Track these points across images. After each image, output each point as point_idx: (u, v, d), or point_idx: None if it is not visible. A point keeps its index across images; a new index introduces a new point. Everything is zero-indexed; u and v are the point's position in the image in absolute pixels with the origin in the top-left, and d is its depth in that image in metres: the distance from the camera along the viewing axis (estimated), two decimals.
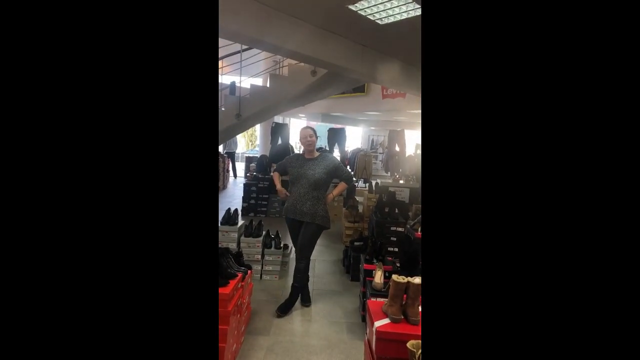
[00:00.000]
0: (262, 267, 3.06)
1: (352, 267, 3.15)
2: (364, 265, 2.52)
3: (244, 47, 3.93)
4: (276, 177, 2.66)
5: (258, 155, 7.40)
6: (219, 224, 3.11)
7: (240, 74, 4.29)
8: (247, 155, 10.29)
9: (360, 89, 6.85)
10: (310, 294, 2.70)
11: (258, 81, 6.64)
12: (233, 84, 4.76)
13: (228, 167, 8.39)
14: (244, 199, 5.45)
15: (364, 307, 2.31)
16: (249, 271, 2.22)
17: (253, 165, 7.26)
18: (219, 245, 2.61)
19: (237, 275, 1.93)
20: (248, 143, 14.95)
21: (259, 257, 3.05)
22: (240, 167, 9.95)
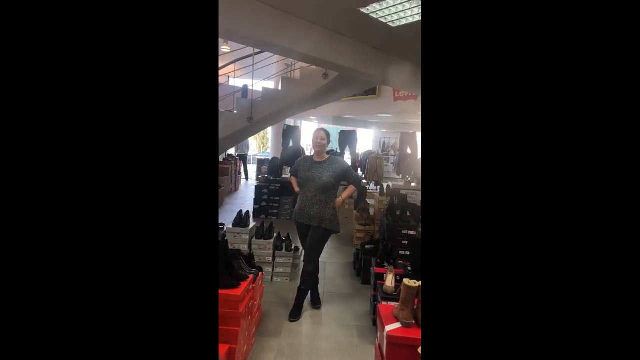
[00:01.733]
0: (273, 269, 3.08)
1: (362, 270, 3.13)
2: (375, 268, 2.50)
3: (256, 50, 3.97)
4: (294, 181, 2.64)
5: (270, 158, 7.45)
6: (231, 226, 3.14)
7: (252, 77, 4.34)
8: (258, 157, 10.37)
9: (371, 92, 6.82)
10: (321, 297, 2.69)
11: (270, 84, 6.69)
12: (245, 87, 4.81)
13: (240, 169, 8.46)
14: (256, 201, 5.49)
15: (374, 310, 2.29)
16: (260, 273, 2.23)
17: (264, 167, 7.31)
18: (230, 247, 2.63)
19: (248, 277, 1.94)
20: (260, 145, 15.07)
21: (270, 259, 3.06)
22: (252, 169, 10.03)
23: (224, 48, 6.50)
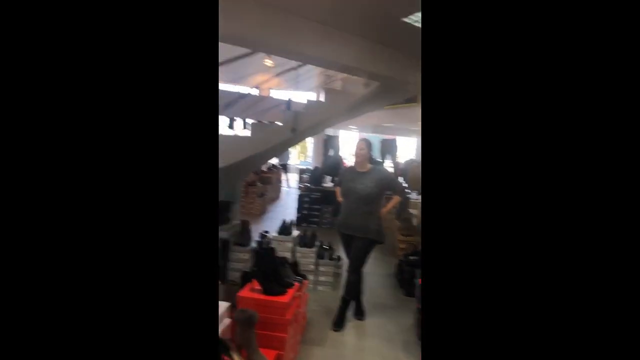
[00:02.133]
0: (316, 278, 3.10)
1: (406, 281, 3.06)
2: (420, 280, 2.44)
3: (299, 63, 4.10)
4: (338, 191, 2.67)
5: (310, 167, 7.57)
6: (276, 234, 3.22)
7: (295, 88, 4.47)
8: (299, 167, 10.56)
9: (411, 99, 6.70)
10: (364, 308, 2.67)
11: (313, 95, 6.84)
12: (289, 100, 4.97)
13: (281, 178, 8.69)
14: (298, 210, 5.58)
15: (420, 324, 2.23)
16: (304, 281, 2.27)
17: (304, 176, 7.44)
18: (276, 254, 2.69)
19: (294, 285, 1.98)
20: (299, 154, 15.30)
21: (313, 267, 3.09)
22: (291, 178, 10.23)
23: (267, 62, 6.77)
